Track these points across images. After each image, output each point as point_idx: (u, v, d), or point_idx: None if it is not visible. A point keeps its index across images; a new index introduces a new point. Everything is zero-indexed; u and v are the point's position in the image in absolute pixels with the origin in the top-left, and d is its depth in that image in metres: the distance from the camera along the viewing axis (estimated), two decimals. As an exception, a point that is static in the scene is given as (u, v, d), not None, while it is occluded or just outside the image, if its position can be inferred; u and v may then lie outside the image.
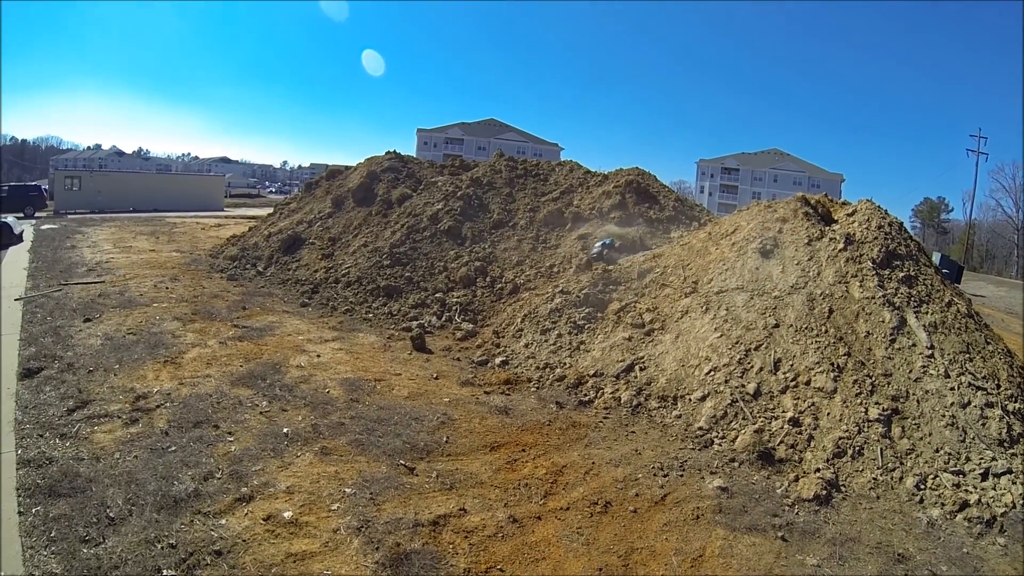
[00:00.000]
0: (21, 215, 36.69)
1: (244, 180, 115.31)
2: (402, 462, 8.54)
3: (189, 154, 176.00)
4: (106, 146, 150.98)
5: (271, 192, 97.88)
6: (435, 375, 12.09)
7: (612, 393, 10.59)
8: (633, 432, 9.46)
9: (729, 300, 11.45)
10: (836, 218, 12.97)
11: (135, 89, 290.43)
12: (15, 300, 16.77)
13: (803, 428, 8.62)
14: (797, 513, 7.27)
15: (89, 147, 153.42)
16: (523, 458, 8.76)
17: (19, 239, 27.52)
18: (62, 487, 7.73)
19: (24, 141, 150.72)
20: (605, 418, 10.00)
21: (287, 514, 7.31)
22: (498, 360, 12.76)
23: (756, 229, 12.90)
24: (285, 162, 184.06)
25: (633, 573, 6.25)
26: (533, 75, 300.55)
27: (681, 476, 8.05)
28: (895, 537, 6.93)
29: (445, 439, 9.29)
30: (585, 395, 10.78)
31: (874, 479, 7.79)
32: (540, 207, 19.70)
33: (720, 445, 8.76)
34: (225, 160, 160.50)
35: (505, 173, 22.06)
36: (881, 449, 8.18)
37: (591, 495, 7.68)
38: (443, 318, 15.58)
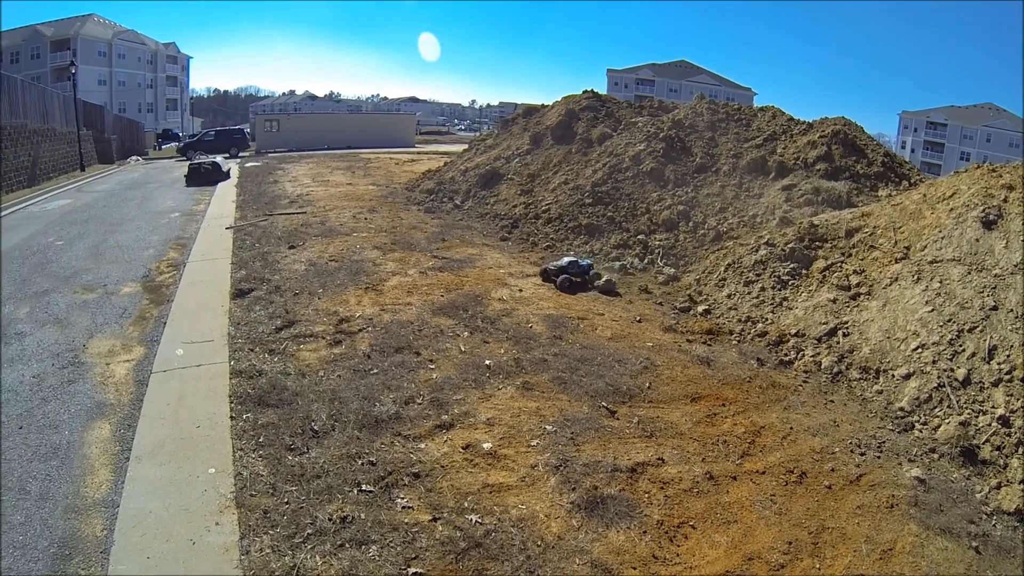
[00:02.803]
0: (227, 155, 40.89)
1: (433, 119, 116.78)
2: (604, 404, 8.37)
3: (378, 95, 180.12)
4: (299, 92, 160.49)
5: (460, 130, 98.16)
6: (637, 318, 11.95)
7: (813, 356, 10.18)
8: (832, 401, 8.98)
9: (943, 272, 10.25)
10: (1074, 190, 10.80)
11: (325, 36, 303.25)
12: (226, 228, 18.34)
13: (1013, 430, 7.68)
14: (995, 524, 6.57)
15: (284, 93, 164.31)
16: (723, 413, 8.58)
17: (227, 176, 31.01)
18: (270, 398, 8.04)
19: (225, 92, 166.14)
20: (804, 382, 9.54)
21: (486, 445, 7.11)
22: (700, 308, 12.66)
23: (978, 195, 11.12)
24: (473, 101, 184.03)
25: (822, 554, 6.05)
26: (725, 16, 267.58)
27: (878, 458, 7.62)
28: (1100, 577, 5.91)
29: (647, 385, 9.08)
30: (785, 355, 10.42)
31: (1088, 505, 6.75)
32: (743, 153, 18.39)
33: (921, 432, 8.20)
34: (413, 100, 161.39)
35: (707, 116, 20.72)
36: (1103, 472, 7.06)
37: (787, 462, 7.43)
38: (645, 260, 15.61)
